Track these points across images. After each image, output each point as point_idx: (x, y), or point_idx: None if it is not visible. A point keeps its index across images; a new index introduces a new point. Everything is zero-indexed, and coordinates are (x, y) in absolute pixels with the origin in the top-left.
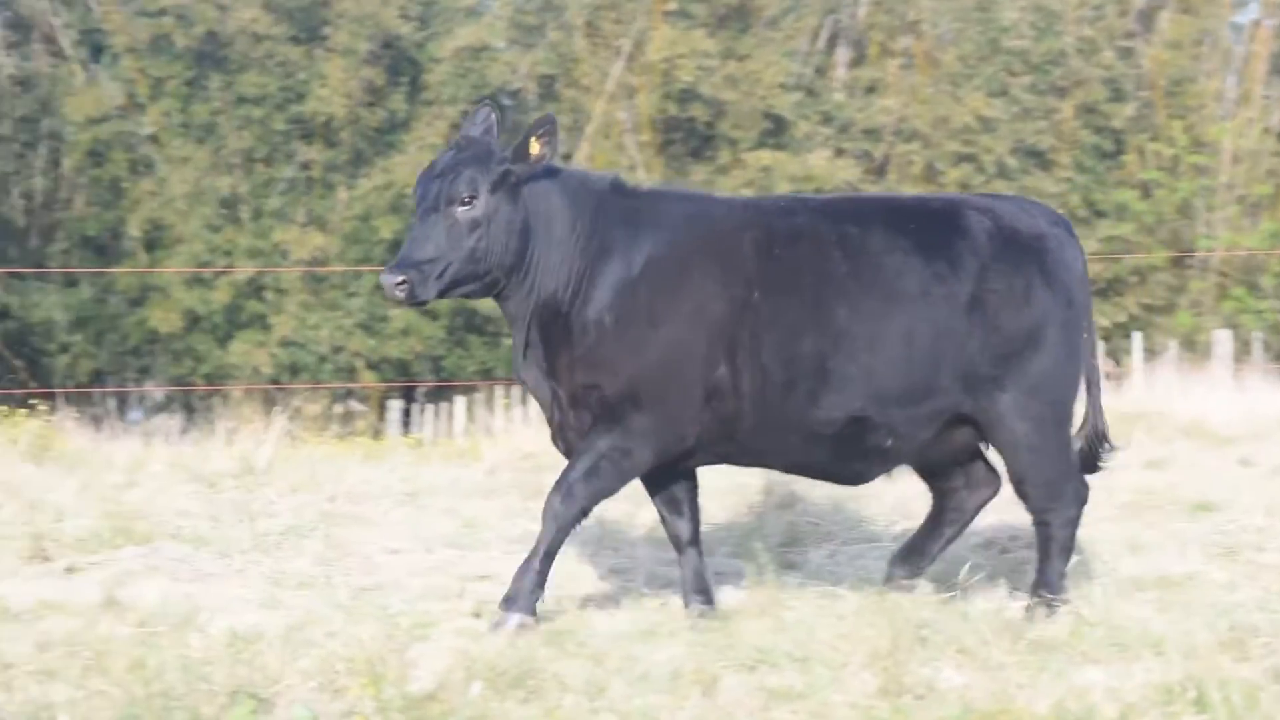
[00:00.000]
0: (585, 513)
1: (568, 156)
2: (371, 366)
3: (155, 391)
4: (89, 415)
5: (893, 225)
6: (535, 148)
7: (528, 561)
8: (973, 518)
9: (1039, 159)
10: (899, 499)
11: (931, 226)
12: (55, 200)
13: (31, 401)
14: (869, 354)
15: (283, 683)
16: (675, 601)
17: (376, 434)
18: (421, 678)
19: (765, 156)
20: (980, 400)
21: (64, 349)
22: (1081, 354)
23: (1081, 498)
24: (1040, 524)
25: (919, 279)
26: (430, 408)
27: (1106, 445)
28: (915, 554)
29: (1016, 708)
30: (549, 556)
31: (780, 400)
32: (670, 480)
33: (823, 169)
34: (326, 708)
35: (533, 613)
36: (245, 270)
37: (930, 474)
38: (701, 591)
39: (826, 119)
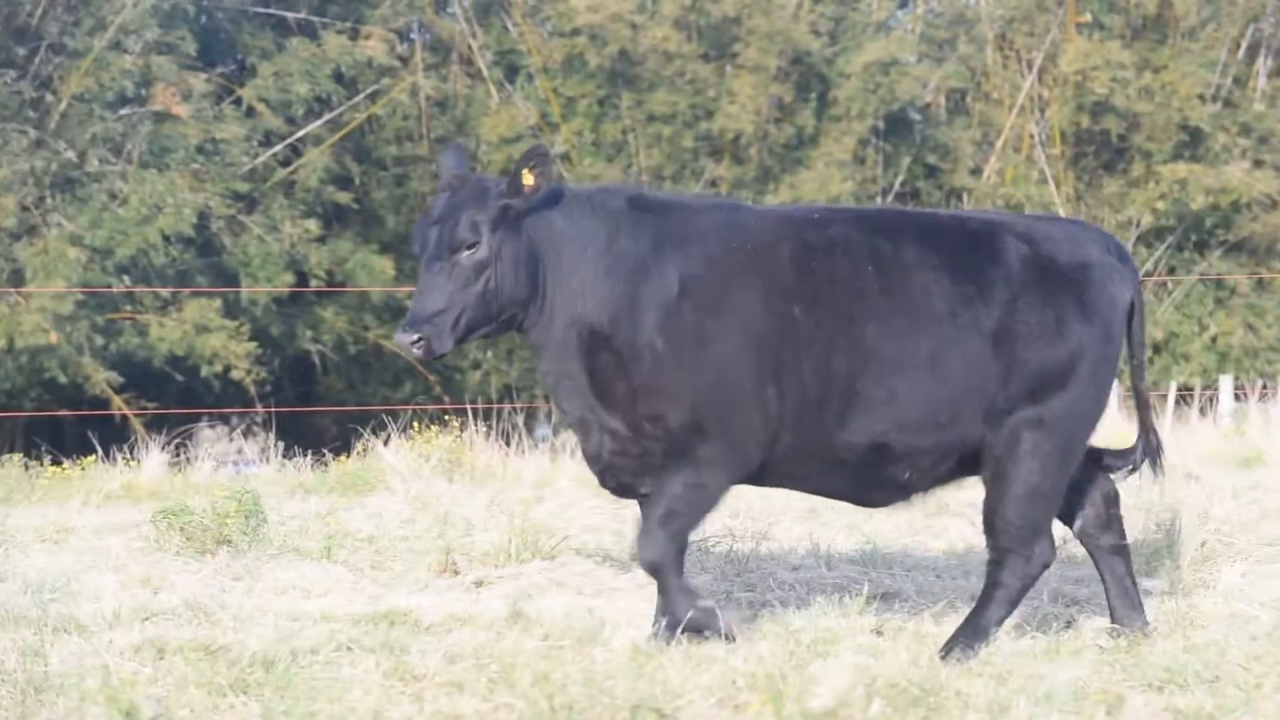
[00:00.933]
0: (682, 549)
1: (976, 171)
2: None
3: None
4: (498, 431)
5: (927, 242)
6: (529, 179)
7: (672, 619)
8: (1124, 540)
9: None
10: None
11: (965, 248)
12: None
13: (444, 417)
14: (895, 376)
15: (684, 698)
16: (1081, 620)
17: None
18: (822, 694)
19: (1180, 169)
20: (997, 430)
21: (476, 365)
22: (1107, 394)
23: (1046, 560)
24: (994, 564)
25: (947, 302)
26: None
27: (1159, 461)
28: (1126, 610)
29: None
30: (687, 598)
31: (812, 422)
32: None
33: (1239, 181)
34: None
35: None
36: None
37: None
38: None
39: (1245, 130)
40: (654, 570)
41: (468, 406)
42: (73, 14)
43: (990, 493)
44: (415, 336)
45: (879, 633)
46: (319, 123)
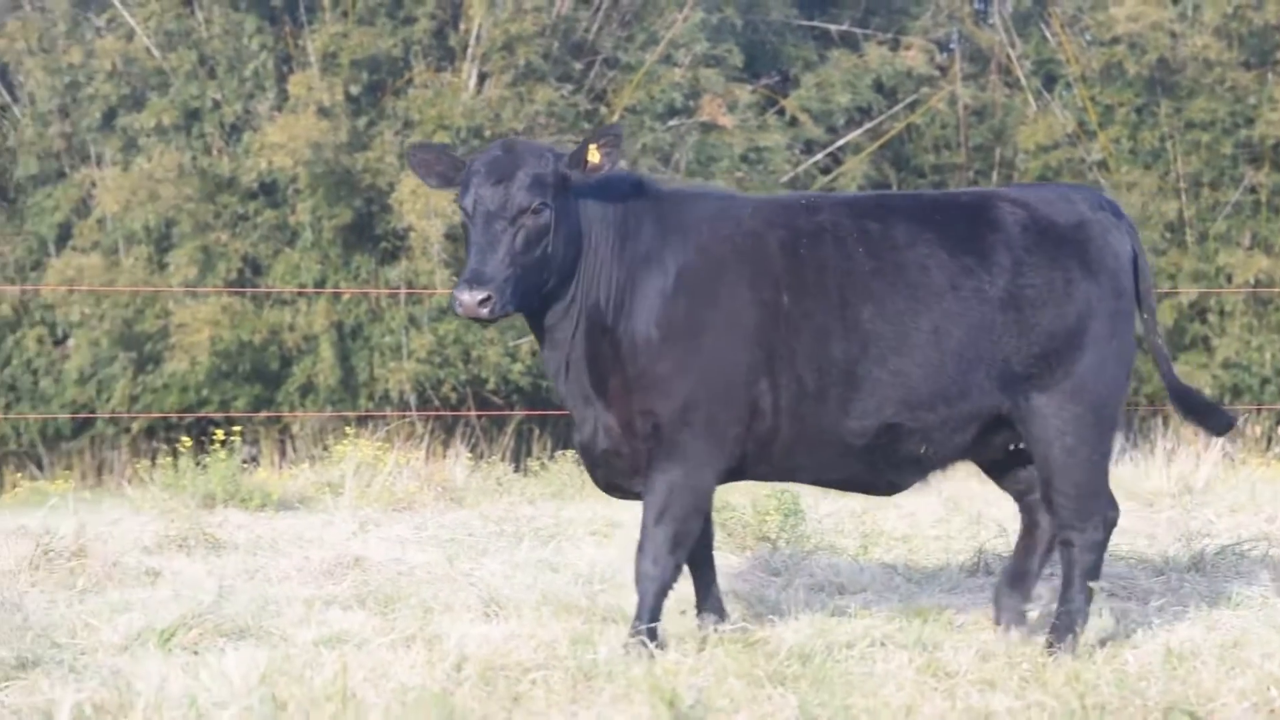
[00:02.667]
0: (679, 566)
1: None
2: None
3: None
4: None
5: (919, 220)
6: (595, 156)
7: (634, 629)
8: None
9: None
10: None
11: (960, 220)
12: None
13: None
14: (897, 356)
15: (1217, 700)
16: None
17: None
18: None
19: None
20: (1017, 400)
21: None
22: (1132, 351)
23: (1110, 522)
24: (1064, 543)
25: (946, 274)
26: None
27: (1215, 405)
28: (1020, 577)
29: None
30: (652, 617)
31: (814, 412)
32: None
33: None
34: None
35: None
36: (1188, 292)
37: (1008, 485)
38: (716, 610)
39: None
40: (647, 583)
41: None
42: (626, 29)
43: (1036, 464)
44: (484, 294)
45: None
46: (859, 131)
